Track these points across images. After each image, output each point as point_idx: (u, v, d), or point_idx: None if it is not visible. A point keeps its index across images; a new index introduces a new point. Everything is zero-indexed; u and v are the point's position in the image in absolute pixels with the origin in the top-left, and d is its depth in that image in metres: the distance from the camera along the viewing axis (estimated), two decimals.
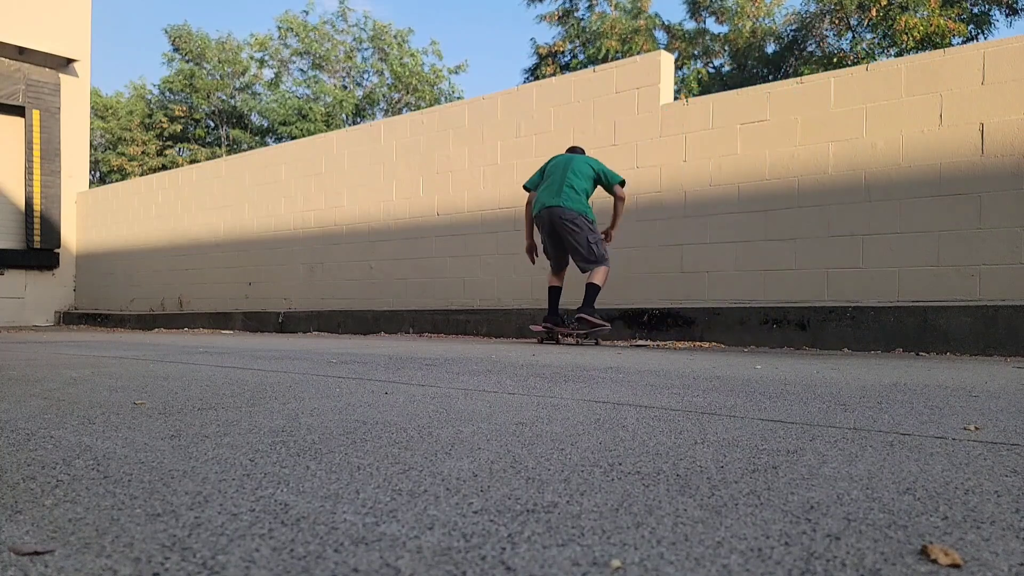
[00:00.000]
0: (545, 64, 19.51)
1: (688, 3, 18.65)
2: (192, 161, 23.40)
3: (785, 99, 5.01)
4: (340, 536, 0.79)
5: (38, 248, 10.70)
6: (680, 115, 5.48)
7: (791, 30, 17.54)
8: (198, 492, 0.98)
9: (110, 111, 24.58)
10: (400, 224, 7.32)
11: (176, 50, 24.20)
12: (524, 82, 17.84)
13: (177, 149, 25.27)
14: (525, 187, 5.12)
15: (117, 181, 20.54)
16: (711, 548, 0.76)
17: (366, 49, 24.50)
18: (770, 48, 18.20)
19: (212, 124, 25.16)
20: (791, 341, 4.66)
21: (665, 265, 5.53)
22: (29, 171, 10.50)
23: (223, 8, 52.18)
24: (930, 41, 14.17)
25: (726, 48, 18.86)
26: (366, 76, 24.80)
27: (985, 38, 14.94)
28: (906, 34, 14.18)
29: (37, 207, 10.59)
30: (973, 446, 1.33)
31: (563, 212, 4.71)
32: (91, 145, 22.81)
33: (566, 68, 19.26)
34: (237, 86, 25.03)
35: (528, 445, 1.32)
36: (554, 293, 5.01)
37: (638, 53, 15.57)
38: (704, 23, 19.06)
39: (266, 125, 24.57)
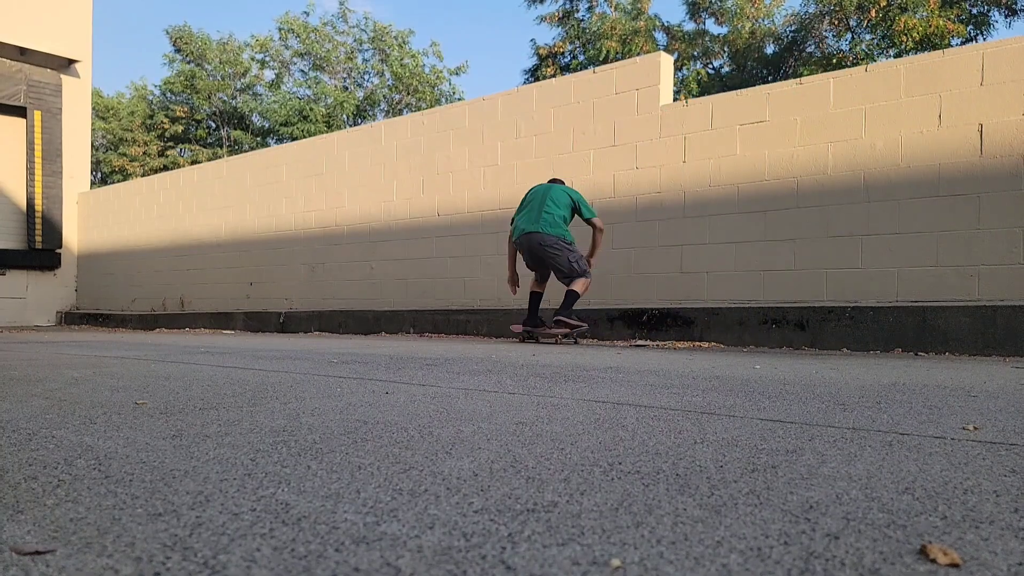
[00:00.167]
0: (545, 65, 19.52)
1: (688, 4, 18.65)
2: (193, 162, 23.43)
3: (784, 100, 5.02)
4: (341, 535, 0.80)
5: (40, 248, 10.70)
6: (680, 116, 5.49)
7: (790, 31, 17.55)
8: (199, 492, 0.98)
9: (111, 112, 24.60)
10: (401, 224, 7.33)
11: (177, 51, 24.21)
12: (524, 83, 17.83)
13: (178, 150, 25.28)
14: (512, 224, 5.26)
15: (118, 182, 20.58)
16: (711, 547, 0.76)
17: (367, 50, 24.51)
18: (769, 49, 18.20)
19: (213, 125, 25.17)
20: (790, 341, 4.66)
21: (665, 265, 5.53)
22: (31, 172, 10.51)
23: (224, 9, 52.24)
24: (929, 42, 14.16)
25: (725, 49, 18.86)
26: (367, 77, 24.81)
27: (984, 39, 14.94)
28: (905, 35, 14.18)
29: (39, 208, 10.60)
30: (972, 446, 1.33)
31: (542, 238, 4.91)
32: (92, 146, 22.84)
33: (566, 69, 19.26)
34: (238, 87, 25.04)
35: (528, 445, 1.32)
36: (535, 298, 5.25)
37: (638, 54, 15.60)
38: (704, 24, 19.07)
39: (267, 126, 24.58)
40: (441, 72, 24.32)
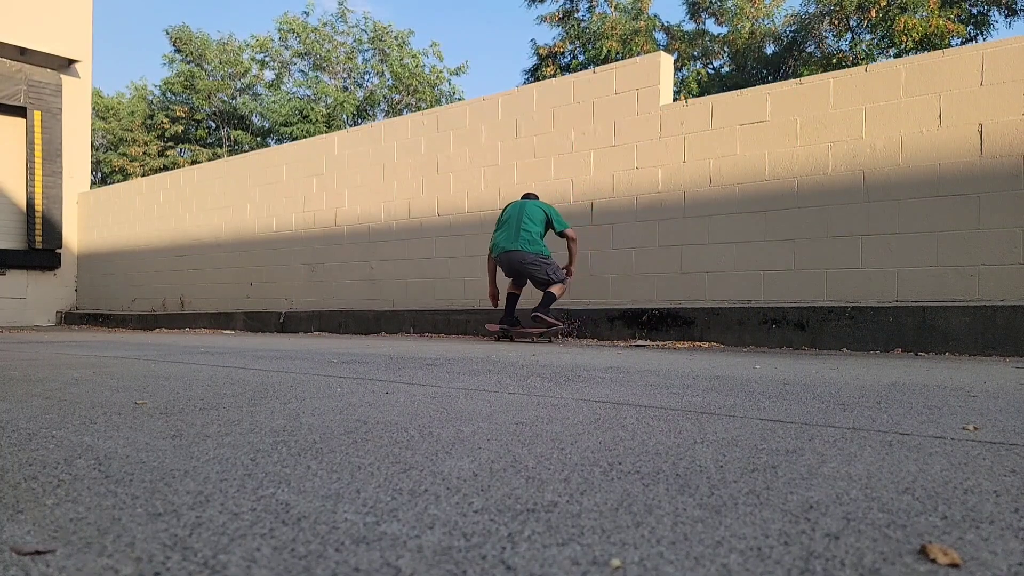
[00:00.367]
0: (545, 65, 19.50)
1: (688, 4, 18.65)
2: (193, 162, 23.42)
3: (784, 100, 5.02)
4: (341, 535, 0.80)
5: (40, 248, 10.70)
6: (680, 116, 5.49)
7: (790, 31, 17.54)
8: (199, 492, 0.98)
9: (111, 112, 24.59)
10: (401, 224, 7.32)
11: (177, 51, 24.20)
12: (524, 83, 17.83)
13: (178, 150, 25.27)
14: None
15: (118, 182, 20.57)
16: (711, 547, 0.76)
17: (367, 50, 24.51)
18: (769, 49, 18.19)
19: (213, 125, 25.17)
20: (790, 341, 4.66)
21: (665, 265, 5.53)
22: (31, 172, 10.51)
23: (224, 9, 52.24)
24: (929, 42, 14.16)
25: (725, 49, 18.85)
26: (367, 77, 24.80)
27: (984, 39, 14.94)
28: (905, 35, 14.17)
29: (39, 208, 10.60)
30: (972, 446, 1.33)
31: (522, 256, 5.25)
32: (92, 146, 22.82)
33: (566, 69, 19.26)
34: (238, 87, 25.03)
35: (528, 445, 1.32)
36: (512, 299, 5.59)
37: (638, 54, 15.59)
38: (704, 24, 19.06)
39: (267, 126, 24.57)
40: (441, 72, 24.31)
